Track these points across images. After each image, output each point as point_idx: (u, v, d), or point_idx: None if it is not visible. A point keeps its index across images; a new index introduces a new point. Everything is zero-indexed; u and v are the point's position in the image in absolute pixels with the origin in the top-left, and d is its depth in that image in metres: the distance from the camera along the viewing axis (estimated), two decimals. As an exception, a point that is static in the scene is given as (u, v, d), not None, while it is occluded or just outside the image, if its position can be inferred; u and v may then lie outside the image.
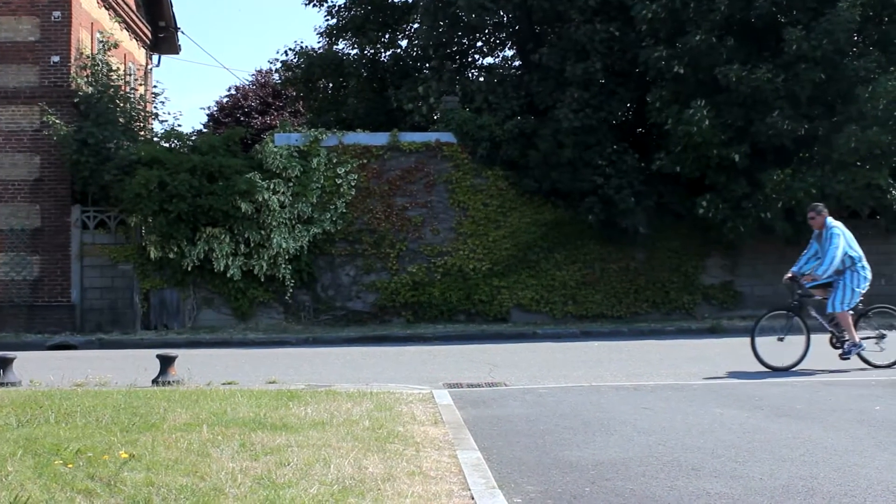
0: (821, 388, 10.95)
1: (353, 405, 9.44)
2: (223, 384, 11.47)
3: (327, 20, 26.47)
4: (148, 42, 27.94)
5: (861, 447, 7.74)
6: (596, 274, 21.58)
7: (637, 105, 21.50)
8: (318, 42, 27.63)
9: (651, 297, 21.62)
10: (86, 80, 21.41)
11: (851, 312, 12.85)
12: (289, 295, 20.88)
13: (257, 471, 6.62)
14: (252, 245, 20.47)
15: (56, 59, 21.19)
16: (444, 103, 21.98)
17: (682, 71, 19.47)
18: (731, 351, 15.75)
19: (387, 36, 25.70)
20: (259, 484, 6.27)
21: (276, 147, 20.90)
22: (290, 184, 20.74)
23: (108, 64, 21.95)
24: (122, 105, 21.82)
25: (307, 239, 20.81)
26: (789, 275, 13.21)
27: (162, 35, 28.43)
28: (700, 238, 21.58)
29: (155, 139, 22.61)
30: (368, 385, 11.44)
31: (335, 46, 26.51)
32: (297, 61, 26.08)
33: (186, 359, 12.91)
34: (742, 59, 19.23)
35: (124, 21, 24.95)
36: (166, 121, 23.24)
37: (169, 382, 11.47)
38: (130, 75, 24.86)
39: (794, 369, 12.74)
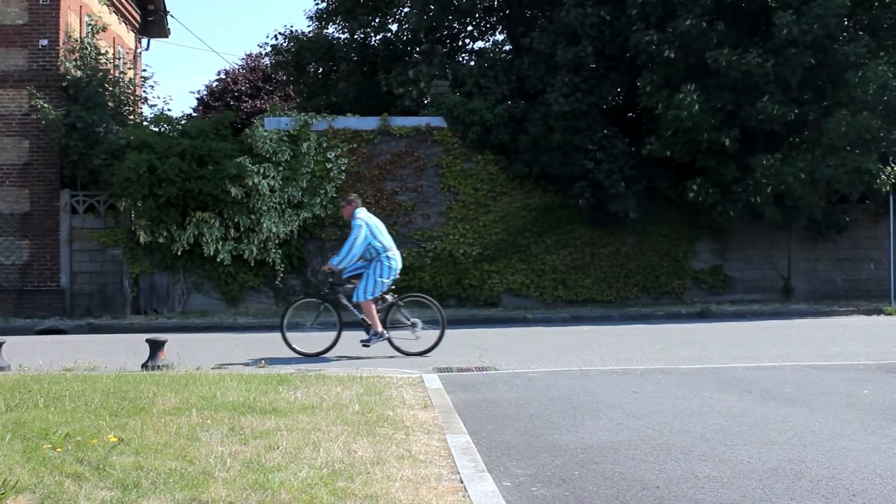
0: (810, 372, 10.99)
1: (343, 389, 9.45)
2: (213, 368, 11.46)
3: (317, 4, 26.43)
4: (137, 26, 27.79)
5: (849, 431, 7.78)
6: (586, 258, 21.60)
7: (627, 89, 21.46)
8: (309, 26, 27.54)
9: (641, 282, 21.66)
10: (74, 63, 21.30)
11: (380, 302, 13.31)
12: (279, 279, 20.87)
13: (247, 455, 6.63)
14: (242, 229, 20.43)
15: (44, 42, 21.06)
16: (435, 87, 21.94)
17: (672, 55, 19.45)
18: (721, 335, 15.82)
19: (377, 20, 25.61)
20: (248, 468, 6.27)
21: (265, 131, 20.85)
22: (280, 168, 20.69)
23: (96, 47, 21.84)
24: (111, 89, 21.73)
25: (297, 223, 20.78)
26: (326, 266, 13.67)
27: (151, 18, 28.27)
28: (690, 223, 21.63)
29: (144, 123, 22.53)
30: (358, 369, 11.47)
31: (325, 30, 26.41)
32: (287, 45, 26.00)
33: (176, 343, 12.91)
34: (732, 44, 19.21)
35: (113, 4, 24.80)
36: (156, 105, 23.40)
37: (158, 367, 11.45)
38: (119, 59, 24.71)
39: (325, 355, 13.24)
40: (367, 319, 13.30)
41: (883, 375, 10.71)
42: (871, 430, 7.77)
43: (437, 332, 13.37)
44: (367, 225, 13.20)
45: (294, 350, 13.38)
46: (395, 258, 13.34)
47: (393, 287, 13.61)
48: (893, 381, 10.28)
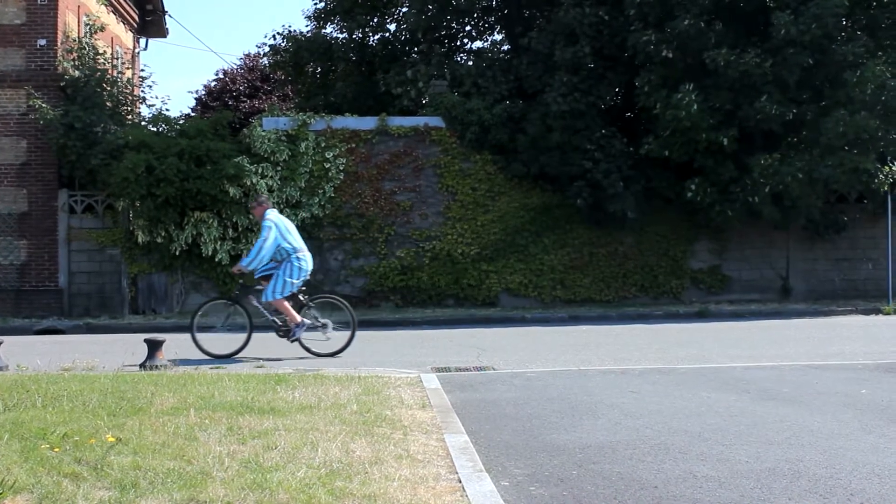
0: (808, 372, 10.99)
1: (341, 389, 9.45)
2: (211, 368, 11.46)
3: (315, 4, 26.42)
4: (135, 25, 27.77)
5: (847, 430, 7.77)
6: (584, 258, 21.60)
7: (626, 89, 21.48)
8: (307, 26, 27.59)
9: (639, 282, 21.66)
10: (72, 63, 21.28)
11: (290, 302, 13.24)
12: (277, 279, 20.82)
13: (244, 454, 6.62)
14: (240, 229, 20.43)
15: (42, 42, 21.04)
16: (433, 87, 21.93)
17: (670, 55, 19.45)
18: (719, 335, 15.82)
19: (375, 19, 25.61)
20: (246, 467, 6.27)
21: (264, 131, 20.84)
22: (279, 168, 20.69)
23: (94, 47, 21.82)
24: (109, 89, 21.71)
25: (295, 223, 20.61)
26: (236, 268, 13.68)
27: (149, 18, 28.25)
28: (688, 222, 21.62)
29: (142, 123, 22.51)
30: (356, 369, 11.46)
31: (323, 30, 26.42)
32: (286, 45, 25.99)
33: (174, 343, 12.89)
34: (730, 44, 19.22)
35: (111, 4, 24.79)
36: (154, 105, 23.37)
37: (156, 367, 11.45)
38: (117, 59, 24.70)
39: (237, 356, 13.18)
40: (277, 321, 13.34)
41: (881, 375, 10.71)
42: (869, 430, 7.77)
43: (347, 334, 13.39)
44: (277, 226, 13.20)
45: (203, 351, 13.31)
46: (306, 259, 13.32)
47: (304, 288, 13.52)
48: (891, 381, 10.28)
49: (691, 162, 19.95)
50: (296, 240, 13.37)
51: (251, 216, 20.24)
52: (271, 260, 13.23)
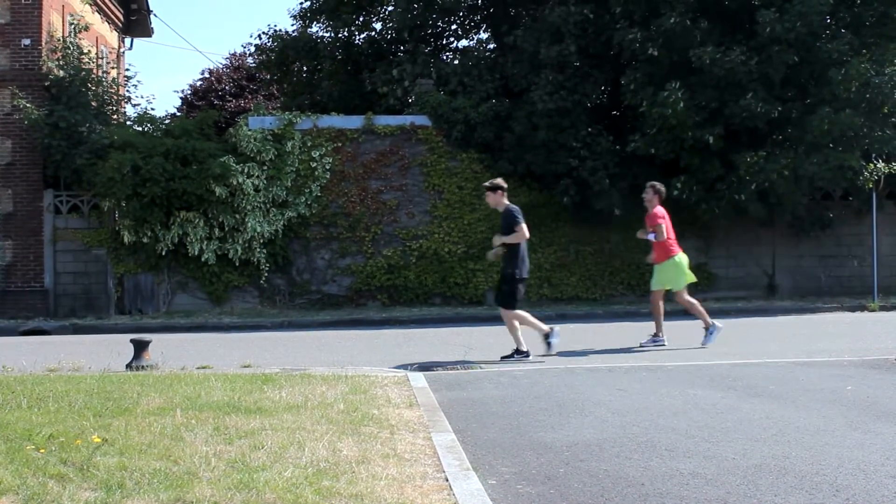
0: (794, 369, 11.03)
1: (328, 388, 9.44)
2: (197, 368, 11.44)
3: (301, 3, 26.31)
4: (120, 25, 27.68)
5: (832, 426, 7.81)
6: (571, 256, 21.63)
7: (611, 87, 21.50)
8: (292, 25, 27.47)
9: (626, 279, 21.69)
10: (57, 63, 21.18)
11: None
12: (264, 279, 20.81)
13: (231, 454, 6.61)
14: (226, 229, 20.37)
15: (27, 42, 20.93)
16: (419, 86, 21.91)
17: (656, 53, 19.48)
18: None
19: (361, 18, 25.54)
20: (233, 467, 6.26)
21: (250, 130, 20.79)
22: (265, 167, 20.64)
23: (79, 47, 21.72)
24: (94, 89, 21.61)
25: (282, 223, 20.73)
26: None
27: (134, 18, 28.14)
28: (674, 220, 21.39)
29: (128, 123, 22.42)
30: (343, 368, 11.45)
31: (309, 29, 26.33)
32: (271, 44, 25.89)
33: (161, 343, 12.86)
34: (716, 42, 19.25)
35: (95, 4, 24.69)
36: (139, 104, 23.29)
37: (143, 367, 11.42)
38: (102, 58, 24.60)
39: None
40: None
41: (866, 371, 10.76)
42: (855, 426, 7.80)
43: None
44: None
45: None
46: None
47: None
48: (876, 378, 10.33)
49: (677, 160, 19.98)
50: None
51: (237, 216, 20.29)
52: None
